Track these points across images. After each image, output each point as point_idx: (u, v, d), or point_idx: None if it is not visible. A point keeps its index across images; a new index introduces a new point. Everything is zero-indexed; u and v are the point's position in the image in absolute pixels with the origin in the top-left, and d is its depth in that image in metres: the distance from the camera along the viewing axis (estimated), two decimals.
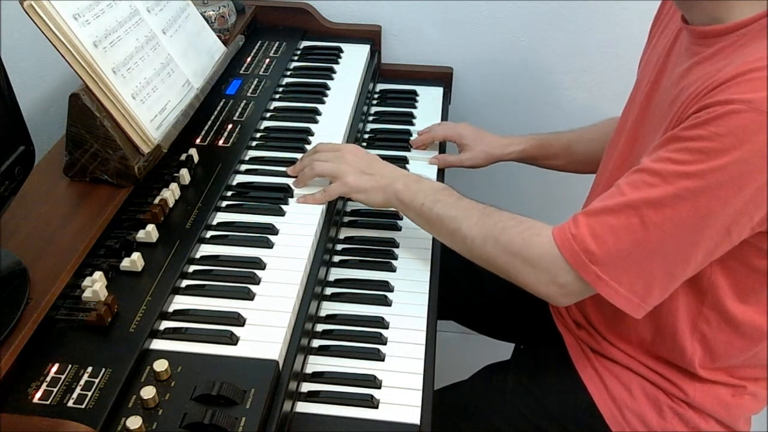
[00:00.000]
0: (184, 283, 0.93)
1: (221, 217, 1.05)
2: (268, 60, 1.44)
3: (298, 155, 1.18)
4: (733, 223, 0.81)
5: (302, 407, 0.89)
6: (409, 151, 1.37)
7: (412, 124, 1.44)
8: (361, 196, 1.08)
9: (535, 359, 1.19)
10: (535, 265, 0.91)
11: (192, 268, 0.96)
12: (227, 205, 1.07)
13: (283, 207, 1.07)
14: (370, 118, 1.47)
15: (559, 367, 1.12)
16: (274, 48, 1.49)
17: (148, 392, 0.75)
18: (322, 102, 1.36)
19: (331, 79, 1.44)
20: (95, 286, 0.84)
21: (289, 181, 1.13)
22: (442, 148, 1.41)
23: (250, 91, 1.33)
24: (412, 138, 1.39)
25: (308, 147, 1.22)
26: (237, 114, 1.25)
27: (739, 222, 0.81)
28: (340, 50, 1.54)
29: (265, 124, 1.28)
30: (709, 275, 0.91)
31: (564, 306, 1.11)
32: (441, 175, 1.33)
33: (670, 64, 0.96)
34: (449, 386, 1.19)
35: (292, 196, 1.10)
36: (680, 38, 0.96)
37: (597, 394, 1.06)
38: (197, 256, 0.98)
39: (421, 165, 1.33)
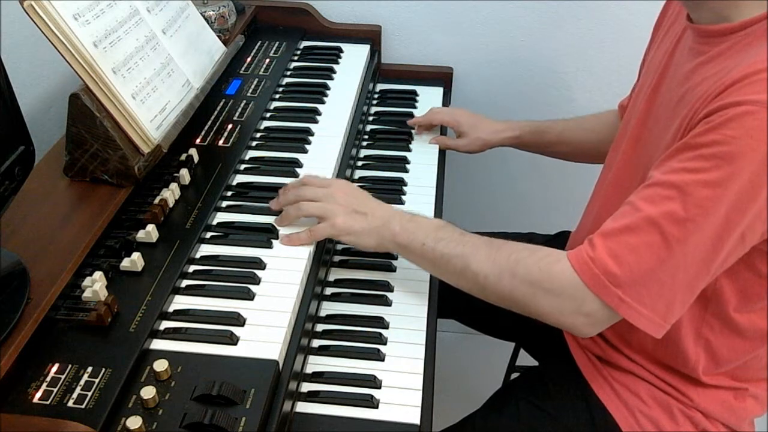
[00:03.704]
0: (184, 283, 0.93)
1: (221, 217, 1.05)
2: (268, 60, 1.44)
3: (298, 155, 1.19)
4: (748, 227, 0.79)
5: (302, 407, 0.89)
6: (410, 150, 1.37)
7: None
8: (351, 238, 1.00)
9: (542, 378, 1.16)
10: (557, 295, 0.86)
11: (192, 268, 0.96)
12: (227, 205, 1.07)
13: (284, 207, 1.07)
14: (370, 118, 1.47)
15: (568, 381, 1.10)
16: (274, 48, 1.49)
17: (148, 392, 0.75)
18: (322, 102, 1.36)
19: (331, 79, 1.44)
20: (95, 286, 0.84)
21: (289, 181, 1.11)
22: (442, 133, 1.43)
23: (250, 91, 1.33)
24: (409, 122, 1.41)
25: (308, 147, 1.22)
26: (237, 114, 1.25)
27: (753, 226, 0.79)
28: (340, 50, 1.54)
29: (265, 124, 1.28)
30: (714, 282, 0.89)
31: (588, 337, 1.03)
32: (441, 175, 1.33)
33: (674, 64, 0.95)
34: (461, 421, 1.16)
35: None
36: (684, 38, 0.95)
37: (609, 402, 1.05)
38: (197, 256, 0.98)
39: (423, 153, 1.35)
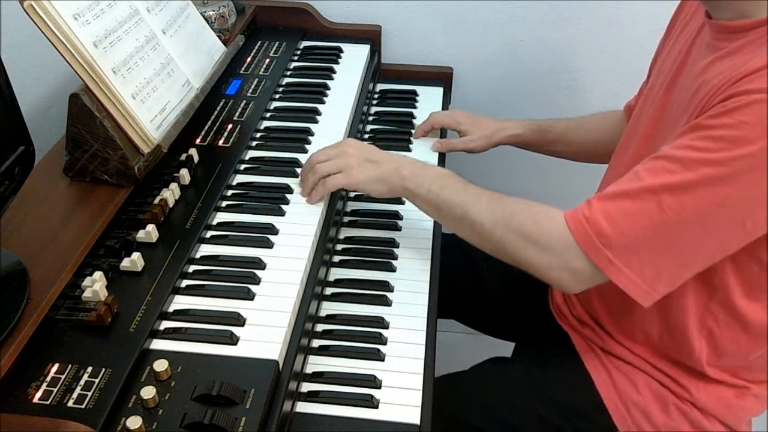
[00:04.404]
0: (184, 283, 0.93)
1: (221, 217, 1.05)
2: (268, 60, 1.44)
3: (298, 155, 1.19)
4: (749, 214, 0.80)
5: (302, 407, 0.89)
6: (410, 151, 1.37)
7: (412, 124, 1.44)
8: (364, 185, 1.06)
9: (541, 351, 1.17)
10: (546, 249, 0.89)
11: (192, 268, 0.96)
12: (227, 205, 1.07)
13: (283, 207, 1.07)
14: (370, 118, 1.47)
15: (565, 358, 1.11)
16: (274, 48, 1.49)
17: (148, 392, 0.75)
18: (322, 102, 1.36)
19: (331, 79, 1.44)
20: (95, 286, 0.84)
21: (289, 181, 1.12)
22: (443, 136, 1.42)
23: (250, 91, 1.33)
24: (412, 137, 1.40)
25: (308, 147, 1.22)
26: (237, 114, 1.25)
27: (755, 213, 0.80)
28: (340, 50, 1.54)
29: (265, 124, 1.28)
30: (719, 271, 0.90)
31: (573, 293, 1.07)
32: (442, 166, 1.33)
33: (690, 61, 0.96)
34: (450, 374, 1.18)
35: (292, 195, 1.10)
36: (701, 35, 0.95)
37: (603, 387, 1.06)
38: (197, 256, 0.98)
39: (424, 153, 1.34)
